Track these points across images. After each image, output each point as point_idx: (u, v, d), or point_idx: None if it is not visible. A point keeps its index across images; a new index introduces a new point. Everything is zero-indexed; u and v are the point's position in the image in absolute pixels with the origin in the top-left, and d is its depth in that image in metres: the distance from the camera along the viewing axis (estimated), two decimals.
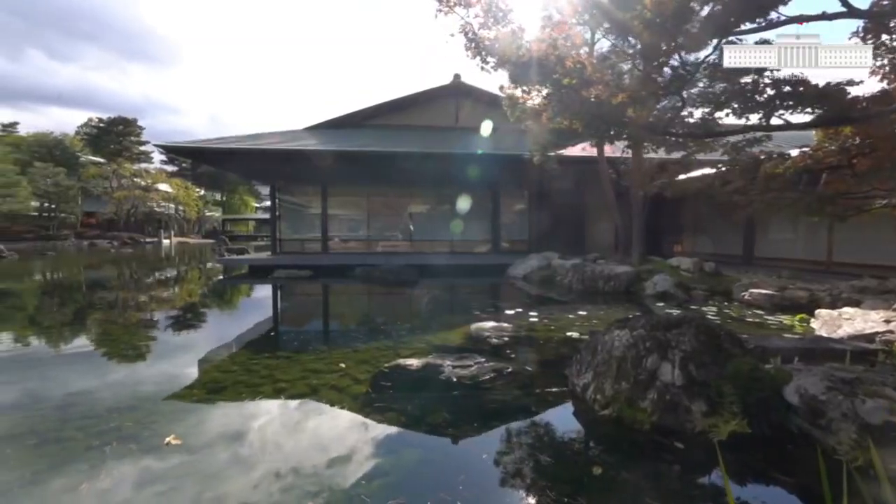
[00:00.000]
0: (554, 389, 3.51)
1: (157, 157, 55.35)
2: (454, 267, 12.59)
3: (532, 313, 6.47)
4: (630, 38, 5.94)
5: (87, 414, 3.13)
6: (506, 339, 4.86)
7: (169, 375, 4.01)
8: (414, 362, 3.76)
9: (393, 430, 2.89)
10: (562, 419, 3.06)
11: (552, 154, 8.98)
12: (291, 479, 2.32)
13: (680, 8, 4.48)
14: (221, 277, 13.14)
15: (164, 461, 2.45)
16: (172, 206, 43.23)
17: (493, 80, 22.93)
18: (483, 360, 3.90)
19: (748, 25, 4.92)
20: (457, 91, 16.04)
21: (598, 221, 14.74)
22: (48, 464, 2.43)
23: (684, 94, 5.77)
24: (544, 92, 6.35)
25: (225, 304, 9.03)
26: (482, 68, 6.51)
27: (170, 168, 53.81)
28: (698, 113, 6.42)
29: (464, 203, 16.12)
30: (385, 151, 12.12)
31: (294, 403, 3.28)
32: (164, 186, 41.96)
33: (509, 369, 3.77)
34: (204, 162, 16.11)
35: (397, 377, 3.62)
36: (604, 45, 9.24)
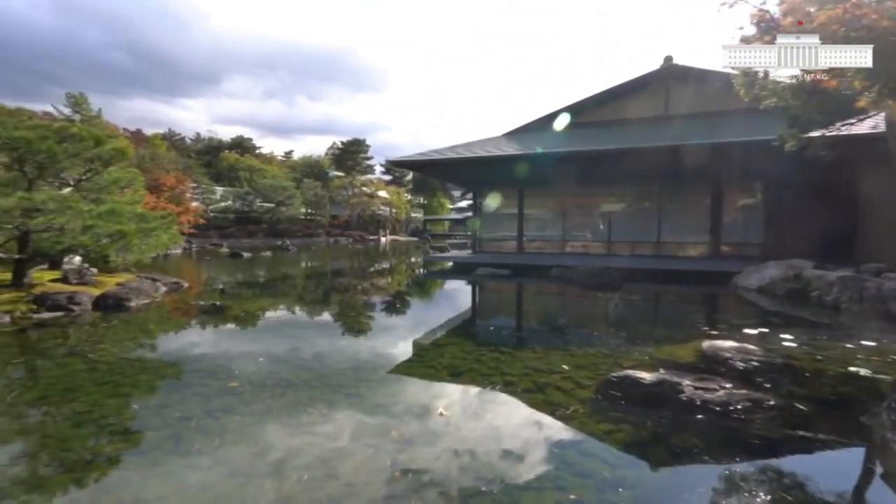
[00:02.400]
0: (844, 439, 2.81)
1: (378, 168, 67.35)
2: (661, 271, 11.31)
3: (785, 336, 5.29)
4: None
5: (370, 378, 4.04)
6: (755, 364, 4.11)
7: (416, 356, 4.84)
8: (646, 376, 3.55)
9: (632, 442, 2.82)
10: (875, 483, 2.42)
11: (817, 135, 7.03)
12: (542, 470, 2.50)
13: None
14: (433, 272, 15.07)
15: (443, 427, 2.98)
16: (387, 209, 51.77)
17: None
18: (730, 385, 3.41)
19: None
20: (667, 75, 14.27)
21: (879, 220, 10.95)
22: (366, 412, 3.25)
23: None
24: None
25: (442, 296, 10.32)
26: None
27: (386, 178, 64.65)
28: None
29: (673, 199, 14.30)
30: (582, 151, 11.74)
31: (527, 398, 3.52)
32: (382, 193, 50.63)
33: (770, 402, 3.19)
34: (421, 172, 18.63)
35: (628, 388, 3.49)
36: None
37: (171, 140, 58.72)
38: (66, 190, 6.85)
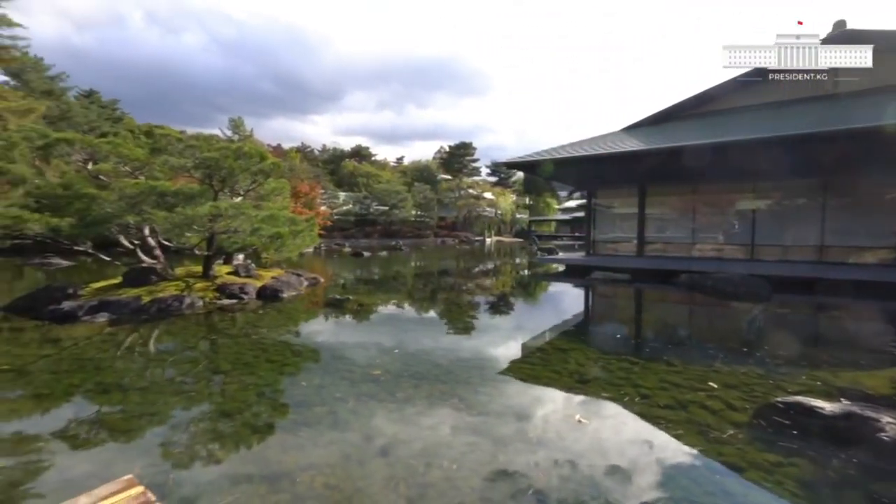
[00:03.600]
0: None
1: (484, 170, 68.22)
2: (826, 281, 9.43)
3: None
4: None
5: (495, 378, 4.11)
6: None
7: (540, 360, 4.77)
8: (825, 405, 3.01)
9: (812, 481, 2.41)
10: None
11: None
12: (699, 497, 2.28)
13: None
14: (543, 274, 14.74)
15: (581, 434, 2.92)
16: (493, 210, 52.08)
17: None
18: None
19: None
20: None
21: None
22: (498, 411, 3.33)
23: None
24: None
25: (557, 299, 10.04)
26: None
27: (492, 179, 65.10)
28: None
29: (842, 194, 11.84)
30: (719, 142, 10.35)
31: (668, 414, 3.24)
32: (488, 194, 51.11)
33: None
34: (532, 172, 18.37)
35: (799, 417, 3.00)
36: None
37: (304, 152, 66.91)
38: (237, 199, 8.29)
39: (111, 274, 8.37)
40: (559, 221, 58.30)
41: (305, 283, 9.39)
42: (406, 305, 8.38)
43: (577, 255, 16.06)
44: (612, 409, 3.37)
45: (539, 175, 16.14)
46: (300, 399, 3.50)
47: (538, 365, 4.49)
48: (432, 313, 7.70)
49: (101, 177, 7.61)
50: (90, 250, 7.72)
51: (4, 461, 2.60)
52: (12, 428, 3.09)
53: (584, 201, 19.87)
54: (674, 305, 9.01)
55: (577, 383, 3.94)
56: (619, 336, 6.10)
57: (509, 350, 5.14)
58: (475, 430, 2.98)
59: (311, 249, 25.22)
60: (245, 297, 7.49)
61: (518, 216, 59.62)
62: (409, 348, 5.05)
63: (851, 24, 11.92)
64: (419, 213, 48.68)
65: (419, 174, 59.27)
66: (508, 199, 52.98)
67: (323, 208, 36.90)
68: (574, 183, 18.41)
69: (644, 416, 3.24)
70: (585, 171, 12.94)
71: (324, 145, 73.73)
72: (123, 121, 31.99)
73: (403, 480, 2.38)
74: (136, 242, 7.59)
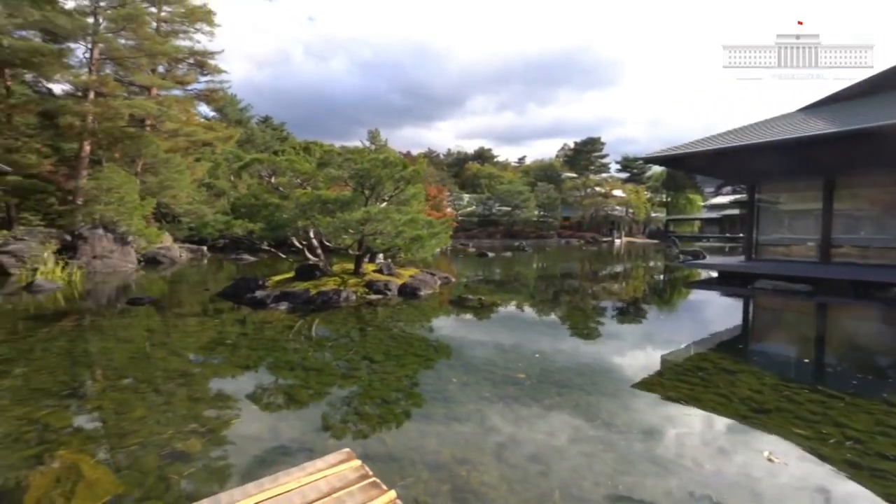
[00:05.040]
0: None
1: (613, 166, 63.48)
2: None
3: None
4: None
5: (647, 395, 3.76)
6: None
7: (702, 380, 4.22)
8: None
9: None
10: None
11: None
12: None
13: None
14: (690, 281, 13.08)
15: (772, 476, 2.52)
16: (623, 208, 48.13)
17: None
18: None
19: None
20: None
21: None
22: (658, 435, 3.06)
23: None
24: None
25: (714, 312, 8.79)
26: None
27: (622, 175, 60.22)
28: None
29: None
30: None
31: None
32: (618, 192, 47.42)
33: None
34: (677, 167, 16.51)
35: None
36: None
37: (431, 157, 70.91)
38: (382, 204, 9.17)
39: (282, 269, 10.04)
40: (704, 220, 51.22)
41: (439, 282, 9.92)
42: (537, 308, 8.24)
43: (734, 260, 13.80)
44: (808, 451, 2.80)
45: (685, 169, 14.32)
46: (448, 395, 3.69)
47: (698, 385, 3.98)
48: (565, 317, 7.42)
49: (280, 188, 9.18)
50: (271, 249, 9.37)
51: (227, 413, 3.28)
52: (228, 387, 3.89)
53: (736, 197, 16.98)
54: (886, 328, 7.12)
55: (751, 412, 3.38)
56: (806, 361, 5.04)
57: (661, 366, 4.67)
58: (633, 450, 2.77)
59: (437, 249, 26.56)
60: (389, 293, 8.24)
61: (653, 215, 54.06)
62: (547, 352, 4.94)
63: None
64: (542, 212, 47.54)
65: (542, 173, 57.92)
66: (642, 197, 48.38)
67: (449, 210, 38.59)
68: (731, 176, 15.87)
69: (859, 466, 2.62)
70: (748, 161, 11.03)
71: (448, 149, 77.00)
72: (288, 140, 38.09)
73: (560, 491, 2.33)
74: (303, 243, 8.96)
